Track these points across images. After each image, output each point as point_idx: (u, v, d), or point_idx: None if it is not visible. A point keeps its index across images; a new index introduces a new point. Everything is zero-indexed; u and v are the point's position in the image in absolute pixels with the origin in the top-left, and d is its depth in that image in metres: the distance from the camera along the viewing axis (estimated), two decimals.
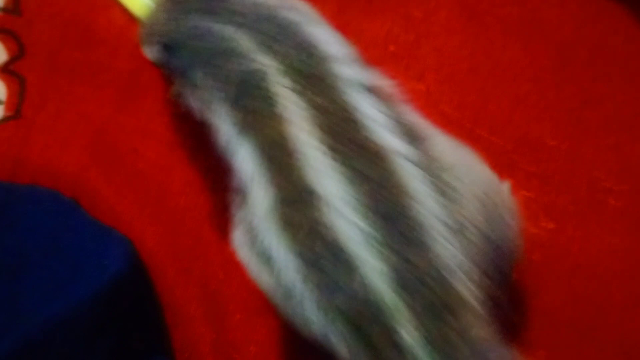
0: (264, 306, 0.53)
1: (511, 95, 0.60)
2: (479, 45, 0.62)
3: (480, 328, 0.38)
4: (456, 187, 0.40)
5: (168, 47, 0.46)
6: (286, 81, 0.42)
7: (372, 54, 0.57)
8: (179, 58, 0.46)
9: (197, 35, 0.45)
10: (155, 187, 0.57)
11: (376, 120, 0.41)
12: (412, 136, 0.42)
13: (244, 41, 0.44)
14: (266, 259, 0.41)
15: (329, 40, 0.45)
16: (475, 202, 0.41)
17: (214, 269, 0.55)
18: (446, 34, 0.62)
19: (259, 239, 0.41)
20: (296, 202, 0.40)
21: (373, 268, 0.37)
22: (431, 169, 0.40)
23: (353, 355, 0.38)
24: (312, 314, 0.39)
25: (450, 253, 0.38)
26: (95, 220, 0.54)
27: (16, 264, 0.51)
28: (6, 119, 0.59)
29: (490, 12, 0.63)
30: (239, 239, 0.43)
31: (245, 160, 0.42)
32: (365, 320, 0.38)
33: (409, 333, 0.37)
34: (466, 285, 0.38)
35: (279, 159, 0.41)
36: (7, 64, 0.60)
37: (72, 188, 0.56)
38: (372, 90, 0.43)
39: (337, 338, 0.38)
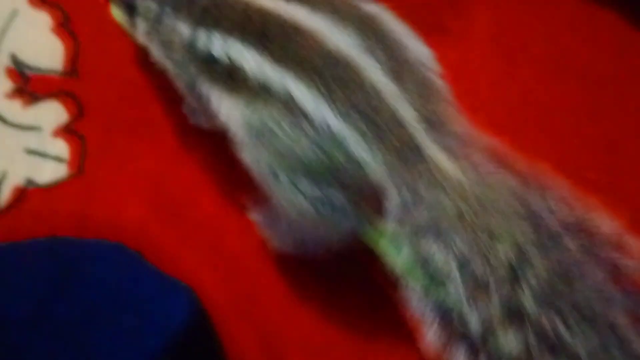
0: (323, 348, 0.56)
1: (547, 131, 0.62)
2: (514, 84, 0.64)
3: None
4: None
5: None
6: None
7: None
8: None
9: None
10: (212, 235, 0.61)
11: None
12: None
13: None
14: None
15: None
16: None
17: (272, 312, 0.58)
18: (481, 74, 0.65)
19: None
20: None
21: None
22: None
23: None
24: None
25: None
26: (159, 271, 0.57)
27: (86, 318, 0.54)
28: (70, 176, 0.63)
29: (524, 51, 0.65)
30: None
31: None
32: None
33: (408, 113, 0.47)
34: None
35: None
36: (68, 125, 0.64)
37: (135, 240, 0.59)
38: None
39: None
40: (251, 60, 0.48)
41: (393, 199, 0.48)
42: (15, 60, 0.67)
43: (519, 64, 0.64)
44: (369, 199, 0.49)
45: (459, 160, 0.47)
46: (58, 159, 0.63)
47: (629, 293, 0.45)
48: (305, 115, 0.47)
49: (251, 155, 0.51)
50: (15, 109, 0.65)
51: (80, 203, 0.61)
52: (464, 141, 0.48)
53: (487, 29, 0.66)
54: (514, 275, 0.45)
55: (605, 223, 0.46)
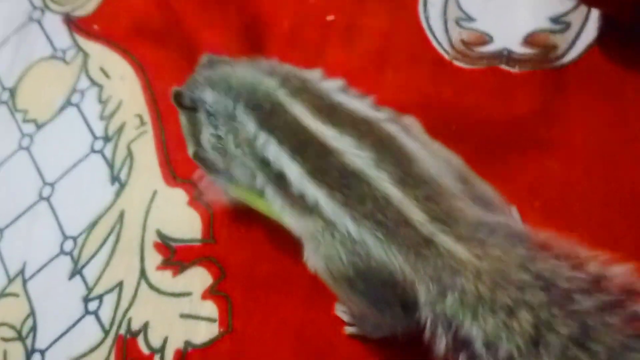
0: None
1: None
2: (622, 186, 0.65)
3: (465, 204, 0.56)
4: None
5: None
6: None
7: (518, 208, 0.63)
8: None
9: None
10: None
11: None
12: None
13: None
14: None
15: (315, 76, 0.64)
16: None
17: None
18: (587, 180, 0.66)
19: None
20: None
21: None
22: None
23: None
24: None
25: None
26: None
27: None
28: (222, 334, 0.69)
29: (627, 150, 0.67)
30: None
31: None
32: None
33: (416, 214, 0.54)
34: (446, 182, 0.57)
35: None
36: (212, 287, 0.72)
37: None
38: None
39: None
40: (294, 171, 0.59)
41: (422, 293, 0.54)
42: (160, 234, 0.77)
43: (623, 165, 0.66)
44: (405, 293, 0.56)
45: (473, 247, 0.53)
46: (209, 319, 0.70)
47: None
48: (332, 224, 0.57)
49: (311, 260, 0.60)
50: (167, 279, 0.74)
51: (234, 358, 0.68)
52: (475, 227, 0.54)
53: (584, 135, 0.68)
54: (536, 341, 0.50)
55: (618, 273, 0.49)
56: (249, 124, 0.61)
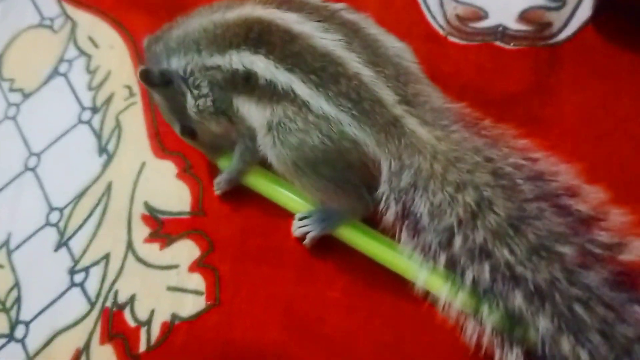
0: None
1: None
2: (613, 164, 0.65)
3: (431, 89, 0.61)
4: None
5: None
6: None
7: None
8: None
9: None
10: (340, 348, 0.64)
11: None
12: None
13: None
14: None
15: None
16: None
17: None
18: (576, 158, 0.66)
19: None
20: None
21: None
22: None
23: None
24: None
25: None
26: None
27: None
28: (208, 307, 0.69)
29: (618, 128, 0.67)
30: None
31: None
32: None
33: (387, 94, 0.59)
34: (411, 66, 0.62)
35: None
36: (200, 259, 0.71)
37: None
38: None
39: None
40: (260, 62, 0.61)
41: (385, 169, 0.60)
42: (148, 207, 0.76)
43: (613, 144, 0.66)
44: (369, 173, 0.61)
45: (434, 130, 0.58)
46: (196, 292, 0.70)
47: (579, 232, 0.54)
48: (306, 105, 0.60)
49: (275, 154, 0.62)
50: (154, 252, 0.73)
51: (221, 331, 0.67)
52: (439, 113, 0.60)
53: (576, 113, 0.68)
54: (475, 215, 0.56)
55: (564, 173, 0.56)
56: (217, 58, 0.64)
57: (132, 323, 0.71)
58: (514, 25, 0.73)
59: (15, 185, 0.82)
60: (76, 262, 0.76)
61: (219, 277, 0.70)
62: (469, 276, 0.56)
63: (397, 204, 0.59)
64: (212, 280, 0.70)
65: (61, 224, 0.78)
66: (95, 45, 0.88)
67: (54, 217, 0.79)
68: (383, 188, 0.60)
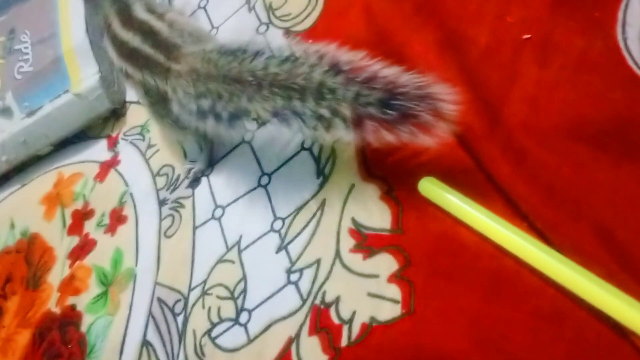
0: None
1: None
2: None
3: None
4: None
5: None
6: None
7: None
8: None
9: None
10: None
11: None
12: None
13: None
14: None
15: None
16: None
17: None
18: None
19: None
20: None
21: None
22: None
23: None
24: None
25: None
26: None
27: None
28: (404, 315, 0.78)
29: None
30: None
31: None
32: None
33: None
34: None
35: None
36: (398, 272, 0.81)
37: None
38: None
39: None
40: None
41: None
42: (355, 222, 0.88)
43: None
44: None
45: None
46: (393, 300, 0.79)
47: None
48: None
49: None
50: (358, 261, 0.85)
51: (413, 338, 0.76)
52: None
53: None
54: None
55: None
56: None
57: (336, 320, 0.82)
58: None
59: (249, 197, 1.00)
60: (293, 263, 0.90)
61: (414, 289, 0.79)
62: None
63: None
64: (408, 291, 0.79)
65: (283, 231, 0.93)
66: None
67: (277, 224, 0.94)
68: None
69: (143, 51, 0.95)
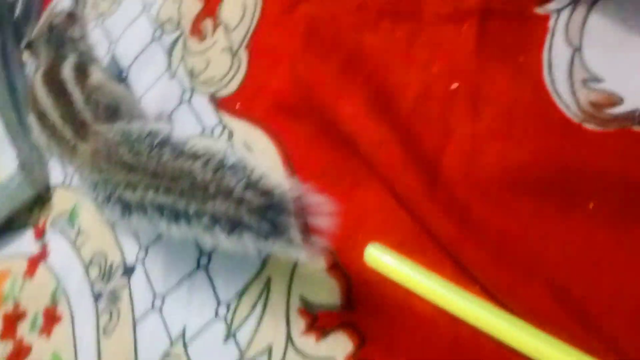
0: None
1: None
2: None
3: None
4: None
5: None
6: None
7: None
8: None
9: None
10: None
11: None
12: None
13: None
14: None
15: None
16: None
17: None
18: None
19: None
20: None
21: None
22: None
23: None
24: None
25: None
26: None
27: None
28: None
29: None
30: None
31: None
32: None
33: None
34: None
35: None
36: (354, 352, 0.76)
37: None
38: None
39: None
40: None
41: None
42: (303, 300, 0.83)
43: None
44: None
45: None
46: None
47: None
48: None
49: None
50: (311, 344, 0.79)
51: None
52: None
53: None
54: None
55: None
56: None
57: None
58: None
59: (188, 281, 0.94)
60: (243, 353, 0.84)
61: None
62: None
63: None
64: None
65: (229, 317, 0.87)
66: (250, 150, 0.98)
67: (222, 310, 0.88)
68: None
69: (51, 119, 0.91)
